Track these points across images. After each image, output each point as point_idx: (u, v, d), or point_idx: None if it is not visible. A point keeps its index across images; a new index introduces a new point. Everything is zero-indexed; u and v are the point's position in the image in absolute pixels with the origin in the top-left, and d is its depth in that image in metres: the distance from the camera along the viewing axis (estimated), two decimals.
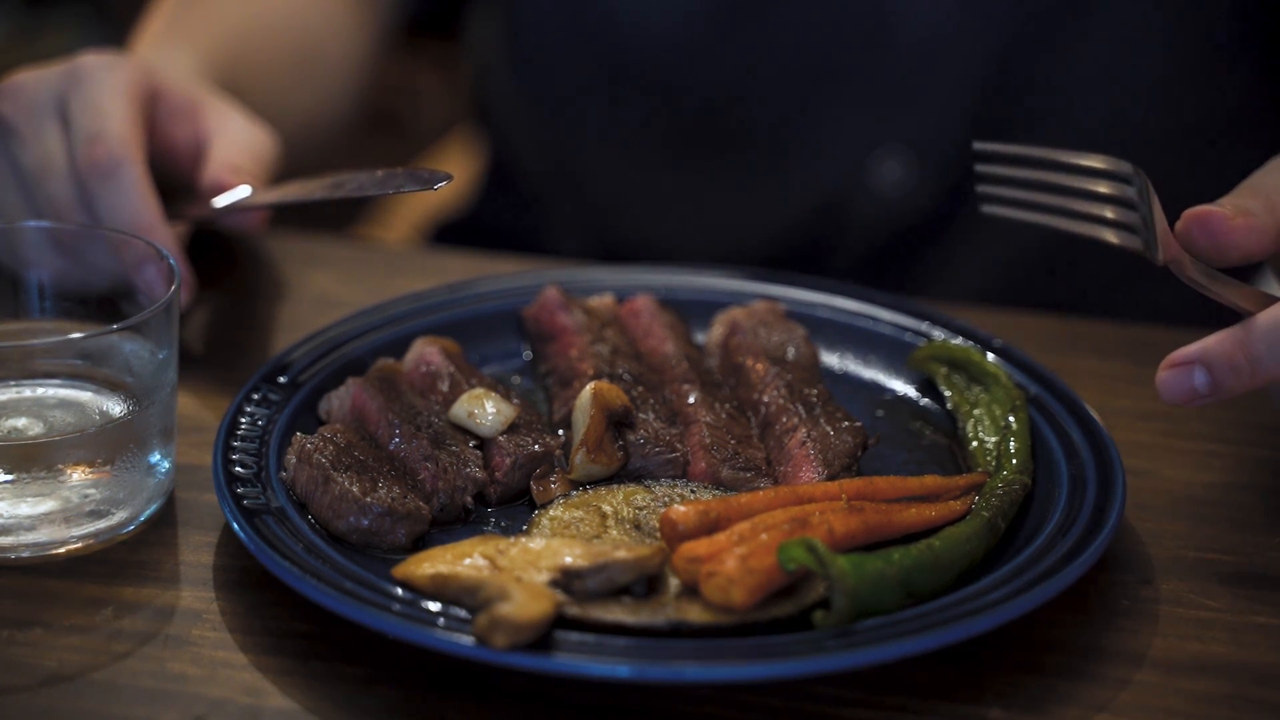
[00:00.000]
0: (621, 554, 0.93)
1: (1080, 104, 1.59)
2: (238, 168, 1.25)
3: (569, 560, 0.94)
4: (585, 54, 1.67)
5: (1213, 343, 1.01)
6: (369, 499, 1.00)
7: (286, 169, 1.33)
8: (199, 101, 1.30)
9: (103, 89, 1.22)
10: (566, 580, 0.93)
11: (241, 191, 1.24)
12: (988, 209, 1.10)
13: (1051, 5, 1.56)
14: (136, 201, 1.19)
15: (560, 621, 0.92)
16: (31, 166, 1.21)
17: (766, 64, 1.61)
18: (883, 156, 1.59)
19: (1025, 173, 1.09)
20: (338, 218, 2.56)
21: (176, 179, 1.29)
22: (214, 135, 1.28)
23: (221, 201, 1.24)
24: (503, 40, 1.76)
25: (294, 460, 1.04)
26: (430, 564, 0.95)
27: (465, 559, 0.95)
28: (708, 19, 1.60)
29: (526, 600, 0.90)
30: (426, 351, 1.16)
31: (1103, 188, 1.06)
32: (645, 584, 0.94)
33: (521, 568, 0.94)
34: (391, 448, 1.07)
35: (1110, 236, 1.05)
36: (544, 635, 0.90)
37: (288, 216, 1.42)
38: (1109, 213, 1.05)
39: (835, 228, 1.64)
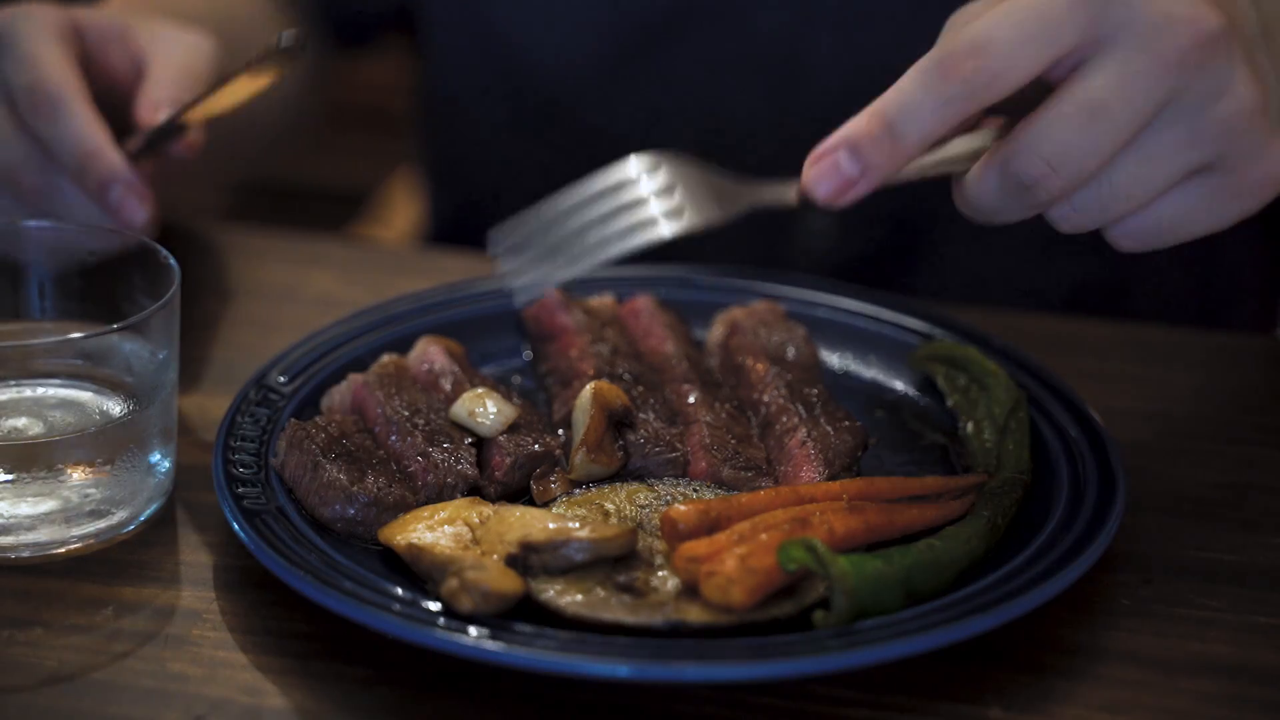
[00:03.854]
0: (583, 533, 0.94)
1: None
2: (163, 100, 1.24)
3: (529, 535, 0.95)
4: (493, 88, 1.67)
5: (850, 124, 0.96)
6: (355, 488, 1.00)
7: (246, 175, 1.30)
8: (125, 25, 1.30)
9: (25, 40, 1.22)
10: (524, 554, 0.94)
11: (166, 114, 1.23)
12: (523, 300, 1.07)
13: None
14: (81, 128, 1.19)
15: (560, 621, 0.92)
16: None
17: (671, 102, 1.59)
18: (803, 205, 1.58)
19: (554, 229, 1.03)
20: (338, 217, 2.56)
21: (125, 107, 1.28)
22: (150, 54, 1.28)
23: (155, 120, 1.23)
24: (422, 71, 1.76)
25: (285, 445, 1.04)
26: (407, 533, 0.97)
27: (447, 525, 0.96)
28: (612, 54, 1.58)
29: (499, 574, 0.91)
30: (430, 350, 1.16)
31: (636, 193, 1.01)
32: (639, 581, 0.95)
33: (492, 541, 0.95)
34: (389, 442, 1.07)
35: (668, 231, 1.00)
36: (553, 634, 0.90)
37: (287, 217, 1.42)
38: (660, 206, 1.00)
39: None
